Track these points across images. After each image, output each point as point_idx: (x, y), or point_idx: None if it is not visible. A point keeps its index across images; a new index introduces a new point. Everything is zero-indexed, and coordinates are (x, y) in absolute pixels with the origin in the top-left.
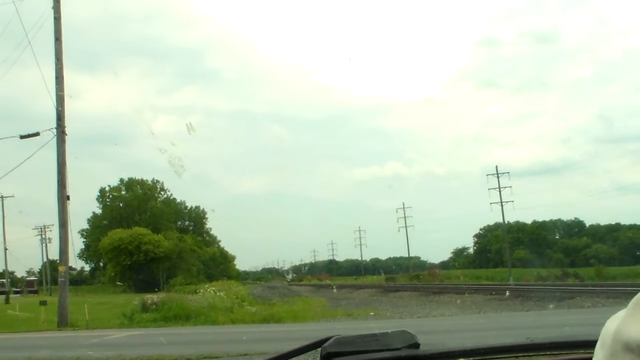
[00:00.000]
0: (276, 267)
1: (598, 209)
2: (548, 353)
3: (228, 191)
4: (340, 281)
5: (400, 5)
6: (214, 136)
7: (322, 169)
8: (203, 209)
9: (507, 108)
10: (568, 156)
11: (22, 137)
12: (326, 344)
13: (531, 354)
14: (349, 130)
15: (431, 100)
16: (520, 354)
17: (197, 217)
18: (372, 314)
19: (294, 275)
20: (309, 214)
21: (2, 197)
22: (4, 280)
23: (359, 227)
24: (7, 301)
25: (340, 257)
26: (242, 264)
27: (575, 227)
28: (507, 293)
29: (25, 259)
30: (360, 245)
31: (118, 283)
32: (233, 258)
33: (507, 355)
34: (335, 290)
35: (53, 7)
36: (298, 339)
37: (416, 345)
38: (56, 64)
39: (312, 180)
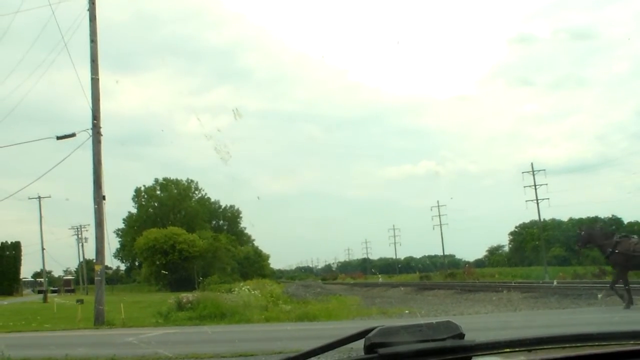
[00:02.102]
0: (310, 265)
1: (636, 206)
2: (597, 344)
3: (261, 190)
4: (374, 279)
5: (434, 2)
6: (247, 136)
7: (356, 168)
8: (237, 208)
9: (543, 105)
10: (605, 153)
11: (58, 138)
12: (370, 334)
13: (579, 344)
14: (383, 128)
15: (465, 98)
16: (567, 345)
17: (231, 217)
18: (406, 312)
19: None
20: (343, 212)
21: (39, 197)
22: (42, 279)
23: (393, 226)
24: (44, 300)
25: (374, 256)
26: (276, 262)
27: (612, 225)
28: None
29: (62, 259)
30: (395, 243)
31: (153, 282)
32: (267, 257)
33: (554, 346)
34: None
35: (88, 10)
36: (334, 336)
37: (461, 336)
38: (91, 66)
39: (345, 179)
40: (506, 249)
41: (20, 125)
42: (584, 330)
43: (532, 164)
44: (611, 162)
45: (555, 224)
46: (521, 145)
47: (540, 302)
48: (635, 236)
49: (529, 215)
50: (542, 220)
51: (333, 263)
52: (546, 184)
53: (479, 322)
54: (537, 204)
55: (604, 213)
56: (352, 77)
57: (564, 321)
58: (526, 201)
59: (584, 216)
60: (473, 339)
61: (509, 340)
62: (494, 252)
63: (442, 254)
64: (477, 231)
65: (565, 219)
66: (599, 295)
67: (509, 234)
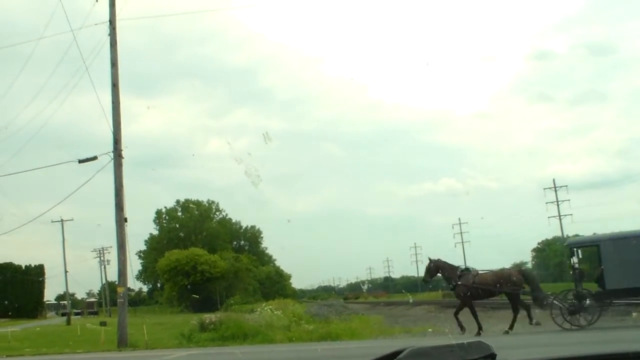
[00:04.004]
0: (332, 285)
1: None
2: None
3: (282, 210)
4: (397, 298)
5: (453, 21)
6: (267, 156)
7: (377, 186)
8: (258, 229)
9: (563, 121)
10: (628, 167)
11: (80, 161)
12: (401, 356)
13: None
14: (403, 146)
15: (485, 114)
16: None
17: (252, 237)
18: (430, 330)
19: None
20: (364, 231)
21: (62, 220)
22: (65, 302)
23: (415, 244)
24: (68, 322)
25: (396, 274)
26: (298, 282)
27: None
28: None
29: (85, 281)
30: (417, 261)
31: (175, 303)
32: (289, 277)
33: None
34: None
35: (109, 34)
36: (359, 356)
37: (493, 356)
38: (112, 90)
39: (366, 197)
40: (529, 265)
41: (42, 149)
42: (617, 348)
43: (554, 180)
44: (634, 176)
45: None
46: (542, 161)
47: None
48: (476, 270)
49: (551, 231)
50: (565, 236)
51: (360, 281)
52: (568, 200)
53: (505, 340)
54: (560, 220)
55: (628, 228)
56: (373, 94)
57: (592, 338)
58: (549, 217)
59: (607, 232)
60: (505, 358)
61: (543, 359)
62: (517, 268)
63: None
64: (500, 248)
65: (589, 234)
66: (634, 314)
67: (531, 251)
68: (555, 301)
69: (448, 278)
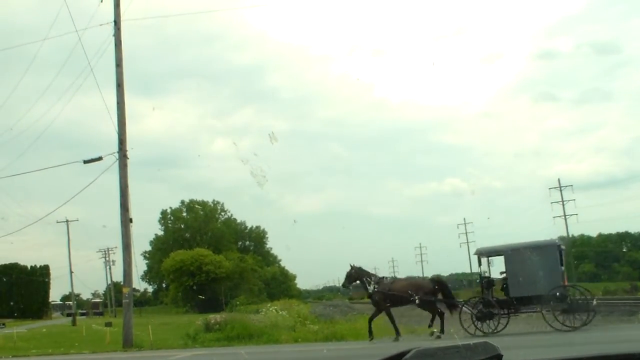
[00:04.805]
0: (337, 285)
1: None
2: None
3: (287, 210)
4: None
5: (458, 20)
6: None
7: (382, 186)
8: (263, 229)
9: (568, 120)
10: (633, 167)
11: (85, 162)
12: (407, 356)
13: None
14: (407, 145)
15: (490, 114)
16: None
17: (257, 237)
18: (435, 330)
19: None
20: (369, 231)
21: (67, 221)
22: (70, 302)
23: (420, 244)
24: (73, 323)
25: (401, 274)
26: (303, 282)
27: None
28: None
29: (90, 281)
30: (422, 261)
31: (180, 304)
32: (294, 277)
33: None
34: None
35: (114, 35)
36: (363, 356)
37: (499, 357)
38: (117, 90)
39: (371, 198)
40: None
41: (47, 149)
42: (623, 349)
43: (559, 179)
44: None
45: (584, 240)
46: (547, 160)
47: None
48: (392, 277)
49: (556, 231)
50: (570, 236)
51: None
52: (574, 200)
53: (510, 340)
54: (565, 219)
55: (634, 228)
56: (378, 93)
57: (598, 339)
58: (554, 217)
59: (613, 231)
60: (511, 359)
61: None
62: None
63: (469, 271)
64: None
65: (594, 234)
66: None
67: None
68: (465, 308)
69: (365, 285)
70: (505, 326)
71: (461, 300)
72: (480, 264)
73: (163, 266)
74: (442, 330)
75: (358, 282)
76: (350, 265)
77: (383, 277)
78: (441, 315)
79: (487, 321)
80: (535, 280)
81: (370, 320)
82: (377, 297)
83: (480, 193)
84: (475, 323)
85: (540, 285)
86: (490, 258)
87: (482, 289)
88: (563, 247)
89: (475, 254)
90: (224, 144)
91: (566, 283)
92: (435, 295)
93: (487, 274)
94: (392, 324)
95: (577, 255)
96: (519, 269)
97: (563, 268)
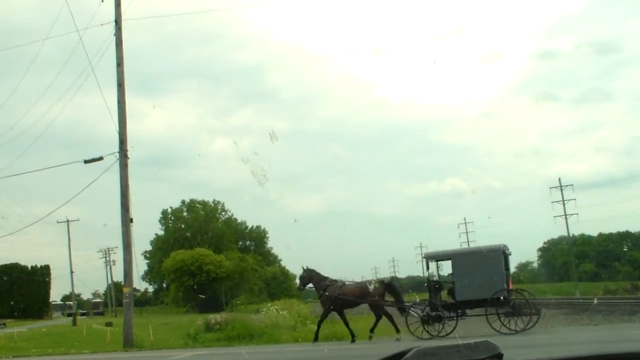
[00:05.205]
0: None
1: None
2: None
3: (288, 210)
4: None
5: (458, 20)
6: (272, 156)
7: (382, 186)
8: (264, 229)
9: (568, 120)
10: (634, 166)
11: (86, 161)
12: (407, 355)
13: None
14: (408, 145)
15: (490, 114)
16: None
17: (258, 237)
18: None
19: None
20: (370, 231)
21: (67, 221)
22: (71, 302)
23: (420, 243)
24: (74, 323)
25: (401, 274)
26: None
27: None
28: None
29: (91, 281)
30: (422, 261)
31: (181, 304)
32: (294, 277)
33: None
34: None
35: (115, 34)
36: (364, 356)
37: (499, 356)
38: (118, 90)
39: (371, 197)
40: (535, 265)
41: (48, 149)
42: (626, 347)
43: (559, 179)
44: None
45: (584, 240)
46: (547, 160)
47: (572, 319)
48: (344, 281)
49: (557, 231)
50: (571, 235)
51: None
52: (574, 199)
53: (510, 340)
54: (566, 219)
55: (635, 227)
56: (379, 93)
57: (600, 338)
58: (554, 217)
59: (614, 231)
60: (512, 358)
61: (549, 359)
62: (523, 268)
63: None
64: None
65: (595, 234)
66: None
67: (537, 250)
68: (412, 311)
69: (317, 288)
70: (454, 329)
71: (409, 303)
72: (428, 267)
73: (163, 266)
74: (397, 330)
75: (311, 285)
76: (303, 268)
77: (335, 280)
78: (389, 316)
79: (434, 324)
80: (481, 284)
81: (320, 322)
82: (325, 300)
83: (481, 193)
84: (425, 326)
85: (485, 289)
86: (439, 262)
87: (430, 293)
88: (509, 252)
89: (424, 257)
90: (224, 144)
91: (511, 287)
92: (384, 298)
93: (435, 278)
94: (346, 326)
95: (577, 254)
96: (465, 273)
97: (508, 272)
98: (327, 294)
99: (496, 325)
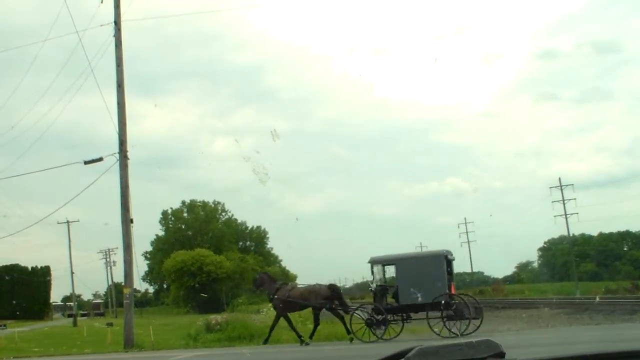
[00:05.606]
0: (338, 285)
1: None
2: None
3: (288, 210)
4: None
5: (458, 20)
6: (272, 156)
7: (382, 186)
8: (264, 229)
9: (568, 119)
10: (634, 166)
11: (86, 162)
12: (409, 354)
13: None
14: (408, 145)
15: (490, 114)
16: None
17: (258, 237)
18: (436, 330)
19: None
20: (371, 231)
21: (67, 222)
22: (71, 303)
23: (420, 243)
24: (74, 324)
25: None
26: (304, 282)
27: None
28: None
29: (91, 282)
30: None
31: (181, 304)
32: (295, 277)
33: None
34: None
35: (114, 35)
36: (365, 356)
37: (501, 355)
38: (117, 90)
39: (372, 197)
40: (535, 264)
41: (48, 150)
42: (627, 346)
43: (559, 178)
44: None
45: (585, 239)
46: (548, 160)
47: (573, 318)
48: (295, 283)
49: (557, 230)
50: (571, 235)
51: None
52: (574, 199)
53: (512, 340)
54: (566, 219)
55: (635, 227)
56: (378, 93)
57: (601, 337)
58: (555, 216)
59: (614, 230)
60: (514, 357)
61: (552, 358)
62: (523, 268)
63: (470, 271)
64: (505, 247)
65: (595, 233)
66: None
67: (537, 250)
68: (357, 314)
69: (268, 291)
70: (400, 332)
71: (353, 306)
72: (372, 272)
73: (164, 267)
74: (347, 332)
75: (262, 287)
76: (257, 272)
77: (285, 283)
78: (341, 318)
79: (378, 327)
80: (423, 289)
81: (272, 326)
82: (275, 303)
83: (481, 192)
84: (373, 329)
85: (427, 293)
86: (385, 267)
87: (374, 296)
88: (452, 257)
89: (369, 262)
90: (224, 144)
91: (453, 291)
92: (331, 300)
93: (380, 282)
94: (292, 329)
95: (578, 254)
96: (408, 278)
97: (451, 277)
98: (277, 297)
99: (437, 328)
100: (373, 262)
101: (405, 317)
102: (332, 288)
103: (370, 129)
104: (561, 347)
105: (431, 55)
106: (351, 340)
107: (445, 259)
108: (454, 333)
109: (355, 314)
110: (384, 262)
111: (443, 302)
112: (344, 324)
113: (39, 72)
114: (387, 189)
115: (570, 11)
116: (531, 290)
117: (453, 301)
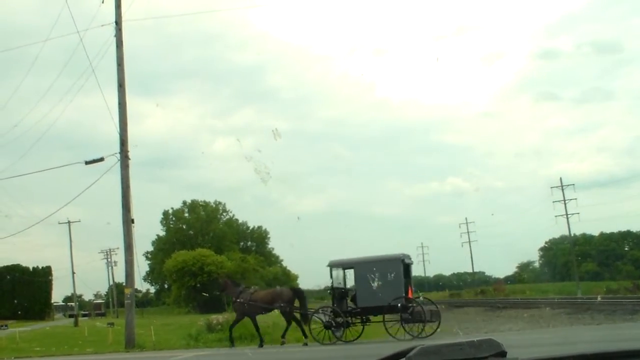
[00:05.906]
0: (338, 285)
1: None
2: None
3: (289, 210)
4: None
5: (459, 20)
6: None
7: (383, 186)
8: (265, 229)
9: (569, 119)
10: (635, 166)
11: (87, 162)
12: (411, 354)
13: None
14: (409, 145)
15: (491, 114)
16: None
17: (259, 237)
18: (438, 330)
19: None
20: (371, 231)
21: (69, 222)
22: (72, 303)
23: (422, 243)
24: (76, 324)
25: None
26: (305, 282)
27: None
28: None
29: (92, 282)
30: (424, 261)
31: (182, 304)
32: (296, 277)
33: None
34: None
35: (115, 35)
36: (367, 355)
37: (503, 354)
38: (119, 90)
39: (372, 197)
40: (536, 264)
41: (49, 150)
42: (629, 346)
43: (560, 178)
44: None
45: (586, 239)
46: (548, 160)
47: (574, 318)
48: (257, 287)
49: (558, 230)
50: (572, 235)
51: None
52: (575, 199)
53: (513, 339)
54: (567, 219)
55: (636, 227)
56: (379, 93)
57: (602, 337)
58: (556, 216)
59: (615, 230)
60: (516, 356)
61: (551, 358)
62: (524, 268)
63: (471, 270)
64: (507, 247)
65: (596, 233)
66: None
67: (539, 250)
68: (316, 316)
69: (230, 294)
70: (360, 334)
71: (312, 309)
72: (331, 275)
73: (165, 267)
74: (304, 335)
75: (225, 291)
76: (218, 275)
77: (247, 287)
78: (298, 322)
79: (337, 329)
80: (380, 292)
81: (231, 327)
82: (237, 306)
83: (482, 192)
84: (335, 331)
85: (383, 296)
86: (345, 270)
87: (333, 299)
88: (410, 261)
89: (328, 266)
90: (225, 144)
91: (410, 295)
92: (293, 303)
93: (340, 285)
94: (256, 331)
95: (579, 254)
96: (366, 281)
97: (409, 281)
98: (239, 300)
99: (392, 331)
100: (332, 265)
101: (364, 320)
102: (295, 291)
103: (370, 129)
104: (562, 346)
105: (431, 55)
106: (305, 344)
107: (402, 263)
108: (410, 335)
109: (314, 317)
110: (343, 265)
111: (399, 305)
112: (301, 327)
113: (40, 72)
114: (388, 189)
115: (571, 11)
116: (532, 290)
117: (410, 304)
